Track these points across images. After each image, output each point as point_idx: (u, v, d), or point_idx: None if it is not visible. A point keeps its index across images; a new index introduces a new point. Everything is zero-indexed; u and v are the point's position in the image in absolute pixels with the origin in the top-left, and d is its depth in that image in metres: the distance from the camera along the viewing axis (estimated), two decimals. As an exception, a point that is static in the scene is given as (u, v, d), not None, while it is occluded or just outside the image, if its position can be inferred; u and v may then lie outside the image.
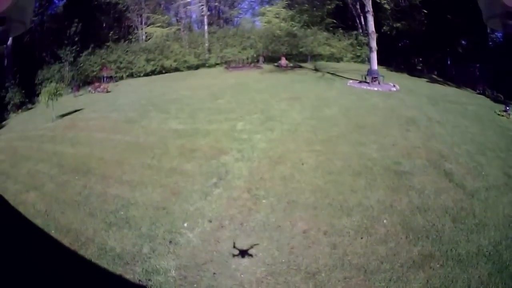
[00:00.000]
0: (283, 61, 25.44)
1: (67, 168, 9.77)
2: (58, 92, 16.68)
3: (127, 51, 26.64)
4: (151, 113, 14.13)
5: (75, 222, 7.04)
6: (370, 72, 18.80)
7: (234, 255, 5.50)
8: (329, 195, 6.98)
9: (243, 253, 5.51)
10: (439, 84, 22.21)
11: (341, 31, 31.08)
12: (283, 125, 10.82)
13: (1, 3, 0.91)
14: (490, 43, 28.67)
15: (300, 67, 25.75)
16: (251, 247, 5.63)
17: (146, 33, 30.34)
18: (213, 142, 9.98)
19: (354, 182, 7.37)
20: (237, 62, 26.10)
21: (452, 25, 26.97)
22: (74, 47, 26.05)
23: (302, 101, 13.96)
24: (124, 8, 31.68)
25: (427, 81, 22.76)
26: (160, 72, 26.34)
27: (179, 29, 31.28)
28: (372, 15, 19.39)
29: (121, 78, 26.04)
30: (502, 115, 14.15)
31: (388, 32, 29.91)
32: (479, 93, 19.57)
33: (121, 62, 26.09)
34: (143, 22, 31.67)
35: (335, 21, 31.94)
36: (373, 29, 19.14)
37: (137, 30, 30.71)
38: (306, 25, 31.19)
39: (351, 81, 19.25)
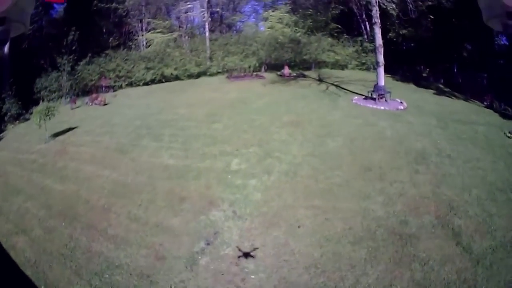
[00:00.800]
0: (286, 70, 24.47)
1: (55, 211, 9.47)
2: (50, 112, 16.06)
3: (126, 59, 25.87)
4: (144, 140, 13.37)
5: (62, 280, 6.83)
6: (376, 88, 17.75)
7: None
8: (325, 271, 6.16)
9: None
10: (447, 96, 21.03)
11: (345, 36, 29.98)
12: (281, 165, 9.94)
13: (1, 3, 0.92)
14: (496, 47, 27.44)
15: (304, 76, 24.77)
16: None
17: (146, 39, 29.53)
18: (204, 188, 9.17)
19: (353, 253, 6.52)
20: (239, 71, 25.20)
21: (457, 29, 25.88)
22: (72, 56, 25.40)
23: (304, 127, 13.03)
24: (124, 13, 30.85)
25: (434, 93, 21.59)
26: (160, 81, 25.56)
27: (180, 35, 30.43)
28: (380, 27, 18.23)
29: (120, 87, 25.35)
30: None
31: (394, 39, 28.74)
32: (487, 106, 18.61)
33: (119, 71, 25.35)
34: (144, 28, 30.85)
35: (339, 26, 30.83)
36: (381, 43, 17.98)
37: (137, 36, 29.90)
38: (310, 30, 30.08)
39: (356, 97, 18.24)
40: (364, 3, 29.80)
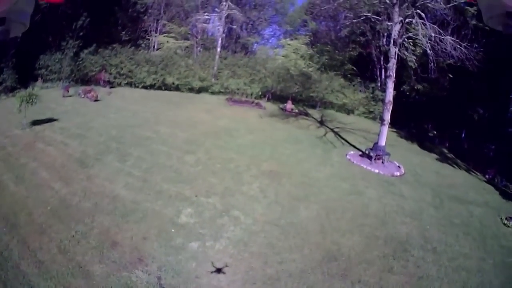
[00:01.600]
0: (289, 105, 23.23)
1: (1, 211, 8.89)
2: (32, 100, 15.21)
3: (131, 58, 24.87)
4: (109, 156, 12.12)
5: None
6: (375, 148, 16.24)
7: None
8: None
9: None
10: (449, 164, 19.48)
11: (359, 80, 28.84)
12: (235, 229, 8.42)
13: (1, 3, 0.91)
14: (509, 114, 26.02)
15: (306, 114, 23.50)
16: None
17: (158, 41, 28.64)
18: (141, 237, 7.77)
19: None
20: (241, 95, 24.04)
21: (474, 91, 24.62)
22: (77, 42, 24.52)
23: (281, 182, 11.54)
24: (143, 9, 30.12)
25: (436, 159, 20.07)
26: (159, 88, 24.46)
27: (192, 45, 29.51)
28: (394, 81, 16.84)
29: (119, 84, 24.31)
30: (508, 226, 11.79)
31: (407, 93, 27.49)
32: (488, 181, 17.31)
33: (122, 68, 24.33)
34: (158, 29, 30.02)
35: (355, 68, 29.73)
36: (391, 99, 16.52)
37: (150, 36, 29.05)
38: (324, 67, 29.01)
39: (352, 152, 16.82)
40: (385, 50, 28.79)
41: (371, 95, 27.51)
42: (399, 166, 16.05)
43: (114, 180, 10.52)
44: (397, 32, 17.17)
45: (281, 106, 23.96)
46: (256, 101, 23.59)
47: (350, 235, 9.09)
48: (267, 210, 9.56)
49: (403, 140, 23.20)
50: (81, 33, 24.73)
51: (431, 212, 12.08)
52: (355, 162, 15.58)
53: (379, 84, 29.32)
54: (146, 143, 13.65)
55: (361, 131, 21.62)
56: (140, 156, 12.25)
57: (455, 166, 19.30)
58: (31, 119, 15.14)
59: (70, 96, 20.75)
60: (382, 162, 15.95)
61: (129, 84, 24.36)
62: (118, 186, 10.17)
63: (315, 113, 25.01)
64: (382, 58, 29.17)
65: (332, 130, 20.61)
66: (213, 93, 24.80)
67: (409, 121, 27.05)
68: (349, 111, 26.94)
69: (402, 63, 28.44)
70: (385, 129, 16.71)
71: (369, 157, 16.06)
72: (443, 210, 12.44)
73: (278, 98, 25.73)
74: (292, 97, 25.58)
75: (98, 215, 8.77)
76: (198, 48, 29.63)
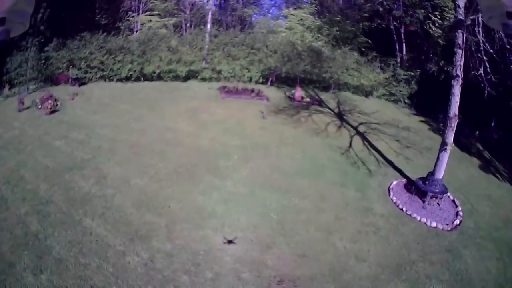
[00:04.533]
0: (298, 93, 16.00)
1: None
2: None
3: (101, 47, 17.55)
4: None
5: None
6: (431, 181, 9.17)
7: None
8: None
9: None
10: (493, 174, 12.36)
11: (374, 54, 21.23)
12: None
13: (1, 3, 0.83)
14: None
15: (319, 103, 16.35)
16: None
17: (140, 22, 21.01)
18: None
19: None
20: (237, 81, 16.87)
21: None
22: (38, 38, 17.24)
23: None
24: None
25: (479, 166, 12.71)
26: (138, 79, 17.35)
27: (180, 22, 21.80)
28: (461, 84, 9.39)
29: (91, 79, 17.25)
30: None
31: (435, 73, 19.90)
32: None
33: (92, 61, 17.15)
34: (141, 8, 22.24)
35: (369, 41, 21.95)
36: (457, 111, 9.14)
37: (130, 16, 21.39)
38: (335, 41, 21.29)
39: (395, 182, 9.94)
40: (406, 21, 20.84)
41: (391, 73, 20.09)
42: (455, 204, 9.32)
43: None
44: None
45: (288, 93, 16.76)
46: (256, 89, 16.39)
47: None
48: None
49: (436, 134, 15.96)
50: (42, 27, 17.38)
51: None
52: (404, 208, 8.63)
53: (398, 61, 21.72)
54: (71, 215, 7.02)
55: (390, 127, 14.70)
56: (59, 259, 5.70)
57: (498, 176, 12.24)
58: None
59: (27, 108, 13.67)
60: (438, 204, 9.20)
61: (103, 78, 17.26)
62: None
63: (329, 98, 17.81)
64: (402, 31, 21.30)
65: (357, 131, 13.59)
66: (203, 79, 17.59)
67: (436, 106, 19.80)
68: (367, 93, 19.70)
69: (424, 35, 20.72)
70: (446, 156, 9.52)
71: (420, 193, 9.26)
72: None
73: (284, 80, 18.46)
74: (300, 79, 18.34)
75: None
76: (188, 25, 22.03)
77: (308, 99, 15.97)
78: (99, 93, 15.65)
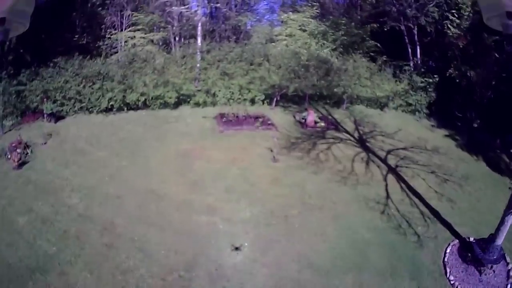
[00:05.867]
0: (311, 118, 12.51)
1: None
2: None
3: (76, 74, 14.02)
4: None
5: None
6: (490, 248, 6.26)
7: None
8: None
9: None
10: None
11: (384, 59, 17.82)
12: None
13: (1, 3, 0.80)
14: None
15: (336, 128, 12.83)
16: None
17: (123, 39, 17.34)
18: None
19: None
20: (237, 106, 13.41)
21: None
22: (8, 70, 13.74)
23: None
24: (98, 2, 18.46)
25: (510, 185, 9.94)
26: (121, 109, 13.91)
27: (168, 36, 18.17)
28: None
29: (68, 113, 13.77)
30: None
31: (457, 80, 16.53)
32: None
33: (67, 90, 13.65)
34: (124, 24, 18.57)
35: (379, 45, 18.48)
36: None
37: (111, 34, 17.71)
38: (343, 47, 17.79)
39: (448, 250, 6.95)
40: (421, 23, 17.30)
41: (408, 82, 16.66)
42: (506, 261, 6.41)
43: None
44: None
45: (298, 117, 13.27)
46: (260, 114, 12.94)
47: None
48: None
49: (465, 154, 12.81)
50: (10, 57, 13.88)
51: None
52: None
53: (411, 65, 18.26)
54: None
55: (419, 151, 11.71)
56: None
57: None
58: None
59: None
60: (493, 271, 6.12)
61: (83, 110, 13.79)
62: None
63: (343, 116, 14.40)
64: (415, 31, 17.78)
65: (387, 166, 10.28)
66: (197, 104, 14.14)
67: (451, 110, 16.49)
68: (382, 105, 16.32)
69: (443, 39, 17.23)
70: (511, 220, 6.34)
71: (477, 261, 6.34)
72: None
73: (290, 98, 15.00)
74: (309, 96, 14.93)
75: None
76: (177, 39, 18.44)
77: (323, 123, 12.54)
78: (75, 132, 12.16)
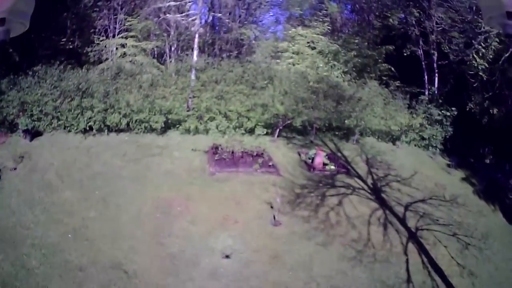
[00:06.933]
0: (319, 159, 10.11)
1: None
2: None
3: (54, 86, 11.55)
4: None
5: None
6: None
7: None
8: None
9: None
10: None
11: (397, 84, 15.60)
12: None
13: (1, 4, 0.75)
14: None
15: (347, 171, 10.53)
16: None
17: (107, 46, 14.81)
18: None
19: None
20: (233, 133, 11.08)
21: None
22: None
23: None
24: (90, 3, 15.85)
25: None
26: (101, 130, 11.52)
27: (163, 46, 15.65)
28: None
29: (45, 129, 11.32)
30: None
31: (477, 116, 14.37)
32: None
33: (44, 105, 11.18)
34: (116, 29, 16.03)
35: (392, 68, 16.18)
36: None
37: (100, 40, 15.16)
38: (355, 70, 15.46)
39: None
40: (443, 49, 14.98)
41: (422, 113, 14.36)
42: None
43: None
44: None
45: (303, 156, 10.79)
46: (260, 150, 10.57)
47: None
48: None
49: (482, 202, 11.02)
50: None
51: None
52: None
53: (426, 92, 16.00)
54: None
55: (438, 204, 9.73)
56: None
57: None
58: None
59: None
60: None
61: (61, 127, 11.36)
62: None
63: (353, 153, 12.09)
64: (435, 57, 15.46)
65: (407, 229, 8.08)
66: (187, 131, 11.55)
67: (468, 149, 14.37)
68: (394, 139, 14.05)
69: (464, 68, 14.90)
70: None
71: None
72: None
73: (294, 128, 12.77)
74: (317, 127, 12.62)
75: None
76: (173, 49, 15.96)
77: (332, 166, 10.21)
78: (48, 157, 9.85)
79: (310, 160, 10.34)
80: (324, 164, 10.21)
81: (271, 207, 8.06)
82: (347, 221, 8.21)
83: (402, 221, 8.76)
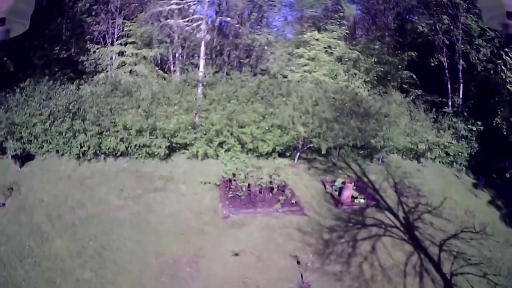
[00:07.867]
0: (347, 192, 8.30)
1: None
2: None
3: (43, 106, 9.71)
4: None
5: None
6: None
7: None
8: None
9: None
10: None
11: (418, 93, 13.81)
12: None
13: (1, 4, 0.71)
14: None
15: (377, 204, 8.80)
16: None
17: (104, 55, 12.86)
18: None
19: None
20: (248, 163, 9.32)
21: None
22: None
23: None
24: (86, 7, 13.80)
25: None
26: (96, 155, 9.76)
27: (166, 53, 13.67)
28: None
29: (37, 153, 9.55)
30: None
31: (505, 132, 12.60)
32: None
33: (33, 127, 9.39)
34: (115, 35, 14.02)
35: (414, 76, 14.27)
36: None
37: (96, 48, 13.17)
38: (377, 80, 13.55)
39: None
40: (471, 59, 13.06)
41: (447, 127, 12.60)
42: None
43: None
44: None
45: (329, 187, 8.92)
46: (281, 184, 8.69)
47: None
48: None
49: (509, 229, 9.50)
50: None
51: None
52: None
53: (449, 103, 14.14)
54: None
55: (468, 237, 8.34)
56: None
57: None
58: None
59: None
60: None
61: (54, 151, 9.59)
62: None
63: (379, 173, 10.42)
64: (461, 66, 13.52)
65: (443, 278, 6.39)
66: (192, 155, 9.72)
67: (492, 166, 12.69)
68: (418, 156, 12.29)
69: (489, 83, 12.98)
70: None
71: None
72: None
73: (314, 150, 10.86)
74: (340, 148, 10.84)
75: None
76: (177, 56, 13.97)
77: (362, 199, 8.51)
78: (38, 191, 8.19)
79: (337, 193, 8.60)
80: (353, 197, 8.48)
81: (297, 262, 6.40)
82: (382, 273, 6.55)
83: (437, 266, 7.20)
